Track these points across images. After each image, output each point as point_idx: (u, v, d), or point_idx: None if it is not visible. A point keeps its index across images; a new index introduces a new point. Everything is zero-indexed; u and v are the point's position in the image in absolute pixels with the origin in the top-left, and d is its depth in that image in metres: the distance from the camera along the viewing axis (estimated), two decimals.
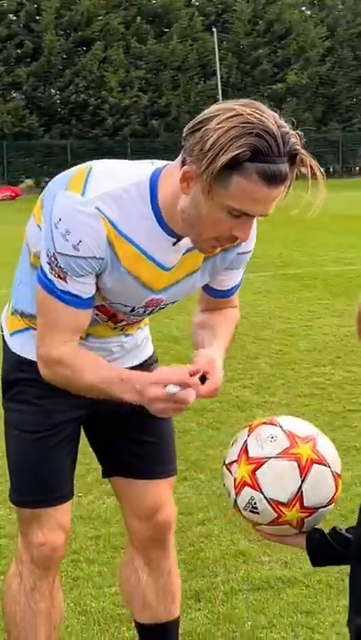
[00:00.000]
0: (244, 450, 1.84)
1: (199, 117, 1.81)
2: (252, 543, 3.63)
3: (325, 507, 1.82)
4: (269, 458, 1.79)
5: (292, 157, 1.79)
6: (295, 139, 1.78)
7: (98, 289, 2.02)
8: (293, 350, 6.92)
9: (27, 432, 2.20)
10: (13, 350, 2.23)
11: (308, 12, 43.15)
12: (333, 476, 1.83)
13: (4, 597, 2.35)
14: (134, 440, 2.26)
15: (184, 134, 1.84)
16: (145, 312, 2.15)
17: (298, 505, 1.78)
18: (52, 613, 2.33)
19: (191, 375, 1.87)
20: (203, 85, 38.64)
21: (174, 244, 1.99)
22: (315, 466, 1.79)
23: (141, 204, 1.94)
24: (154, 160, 2.06)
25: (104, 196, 1.91)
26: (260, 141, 1.73)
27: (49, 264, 1.94)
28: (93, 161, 2.05)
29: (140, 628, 2.50)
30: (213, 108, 1.81)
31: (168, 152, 27.86)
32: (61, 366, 2.00)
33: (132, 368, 2.23)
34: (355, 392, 5.76)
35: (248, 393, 5.68)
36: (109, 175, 1.96)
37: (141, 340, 2.35)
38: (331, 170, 41.00)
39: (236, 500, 1.87)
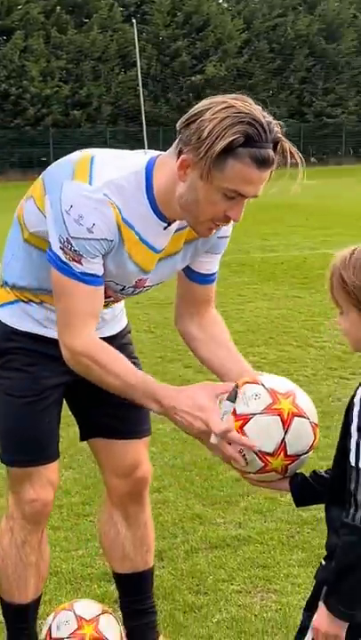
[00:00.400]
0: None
1: (192, 111, 2.02)
2: (206, 507, 3.87)
3: (306, 453, 2.05)
4: (255, 414, 2.00)
5: (276, 144, 2.00)
6: (278, 128, 2.01)
7: None
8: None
9: (17, 397, 2.36)
10: (3, 321, 2.39)
11: (226, 5, 43.60)
12: (312, 426, 2.05)
13: None
14: (115, 403, 2.42)
15: (178, 127, 2.04)
16: (133, 292, 2.34)
17: (282, 454, 1.99)
18: (41, 565, 2.52)
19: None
20: (123, 76, 38.57)
21: (165, 228, 2.19)
22: (295, 418, 2.01)
23: (138, 191, 2.13)
24: (146, 150, 2.26)
25: (109, 184, 2.09)
26: (251, 129, 1.94)
27: (62, 249, 2.09)
28: (90, 150, 2.23)
29: (120, 578, 2.70)
30: (205, 102, 2.01)
31: (91, 143, 27.90)
32: (86, 358, 2.15)
33: (110, 337, 2.44)
34: (289, 369, 6.08)
35: (190, 372, 5.91)
36: (111, 165, 2.14)
37: (118, 312, 2.55)
38: None
39: None
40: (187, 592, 3.16)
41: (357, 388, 1.83)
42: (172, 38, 40.05)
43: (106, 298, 2.32)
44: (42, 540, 2.52)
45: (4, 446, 2.43)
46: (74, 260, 2.09)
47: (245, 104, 1.98)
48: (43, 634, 2.60)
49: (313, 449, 2.08)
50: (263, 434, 1.99)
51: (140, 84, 35.36)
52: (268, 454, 1.99)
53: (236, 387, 2.05)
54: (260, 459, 2.00)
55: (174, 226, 2.21)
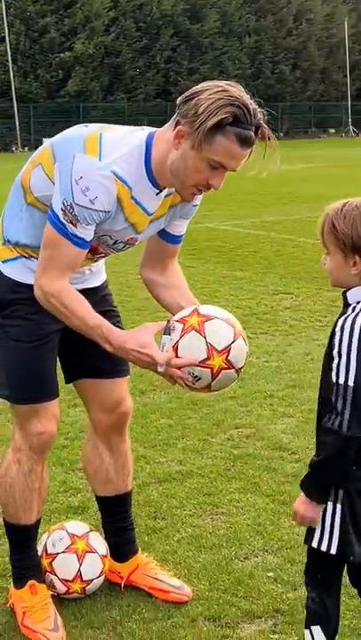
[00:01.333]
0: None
1: (192, 90, 2.37)
2: (147, 449, 4.27)
3: (235, 341, 2.45)
4: (178, 340, 2.43)
5: (257, 128, 2.37)
6: (261, 115, 2.36)
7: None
8: (134, 299, 7.56)
9: (24, 342, 2.67)
10: (7, 275, 2.68)
11: None
12: (224, 321, 2.47)
13: (2, 480, 2.81)
14: (100, 348, 2.73)
15: (178, 103, 2.39)
16: (122, 248, 2.68)
17: (214, 352, 2.40)
18: (42, 489, 2.85)
19: None
20: None
21: (157, 194, 2.55)
22: (206, 323, 2.43)
23: (139, 162, 2.47)
24: (143, 127, 2.59)
25: (117, 160, 2.43)
26: (240, 111, 2.30)
27: (63, 210, 2.42)
28: (99, 125, 2.54)
29: (103, 500, 3.07)
30: (205, 84, 2.38)
31: None
32: (55, 299, 2.50)
33: (94, 288, 2.80)
34: None
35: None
36: (119, 141, 2.47)
37: (101, 266, 2.90)
38: None
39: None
40: (146, 518, 3.56)
41: (337, 318, 2.26)
42: (40, 14, 39.55)
43: (97, 254, 2.68)
44: (44, 468, 2.84)
45: (11, 386, 2.72)
46: (71, 222, 2.43)
47: (238, 90, 2.33)
48: (39, 552, 2.94)
49: (239, 334, 2.49)
50: (193, 349, 2.41)
51: (10, 60, 34.79)
52: (205, 360, 2.41)
53: (168, 322, 2.48)
54: (203, 367, 2.42)
55: (165, 192, 2.57)
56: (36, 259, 2.63)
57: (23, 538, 2.88)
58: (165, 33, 43.78)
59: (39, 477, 2.81)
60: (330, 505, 2.27)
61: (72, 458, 4.14)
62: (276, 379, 5.40)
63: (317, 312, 7.19)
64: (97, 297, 2.80)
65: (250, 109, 2.33)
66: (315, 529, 2.29)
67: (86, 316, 2.51)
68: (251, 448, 4.29)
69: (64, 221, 2.44)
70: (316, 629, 2.33)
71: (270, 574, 3.14)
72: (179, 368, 2.41)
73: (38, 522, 2.90)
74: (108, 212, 2.46)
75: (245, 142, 2.36)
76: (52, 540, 2.95)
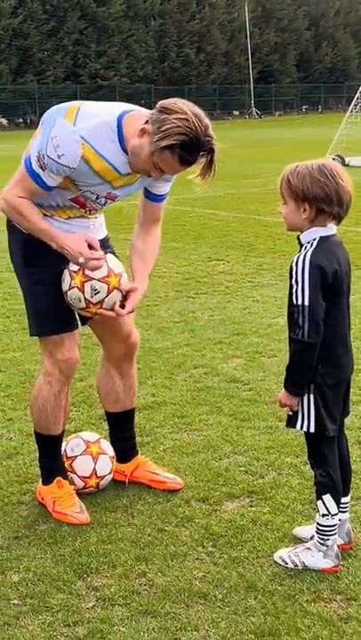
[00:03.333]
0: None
1: (169, 105, 2.96)
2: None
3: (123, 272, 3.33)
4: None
5: (206, 154, 3.00)
6: (211, 145, 2.98)
7: (75, 184, 3.18)
8: None
9: (48, 284, 3.31)
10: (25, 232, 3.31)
11: None
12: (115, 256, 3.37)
13: (35, 400, 3.48)
14: None
15: (157, 106, 3.00)
16: (105, 203, 3.35)
17: (112, 274, 3.26)
18: (67, 407, 3.55)
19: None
20: None
21: (129, 161, 3.19)
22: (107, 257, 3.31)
23: (112, 133, 3.13)
24: (118, 103, 3.23)
25: (87, 128, 3.07)
26: (190, 141, 2.92)
27: (37, 157, 3.09)
28: (80, 101, 3.21)
29: (113, 416, 3.78)
30: (179, 104, 2.95)
31: None
32: (15, 209, 3.21)
33: (102, 239, 3.47)
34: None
35: None
36: (92, 113, 3.12)
37: (102, 221, 3.59)
38: (28, 121, 41.88)
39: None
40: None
41: (294, 257, 2.96)
42: None
43: (86, 208, 3.33)
44: (68, 389, 3.52)
45: (41, 324, 3.39)
46: (41, 167, 3.11)
47: (197, 121, 2.92)
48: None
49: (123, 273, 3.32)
50: (97, 271, 3.23)
51: None
52: (105, 277, 3.24)
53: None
54: (101, 282, 3.22)
55: None
56: (48, 216, 3.28)
57: (52, 445, 3.56)
58: (73, 16, 43.91)
59: (64, 397, 3.48)
60: (305, 396, 2.99)
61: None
62: (222, 328, 6.19)
63: (248, 274, 8.02)
64: (103, 247, 3.46)
65: (201, 142, 2.95)
66: (296, 417, 3.02)
67: (38, 221, 3.21)
68: (210, 382, 5.06)
69: (35, 167, 3.11)
70: (327, 497, 3.04)
71: (242, 468, 3.91)
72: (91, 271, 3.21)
73: (63, 432, 3.59)
74: (73, 168, 3.09)
75: (186, 163, 3.01)
76: (70, 446, 3.65)
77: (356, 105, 21.02)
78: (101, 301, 3.25)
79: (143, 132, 3.03)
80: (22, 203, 3.20)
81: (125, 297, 3.29)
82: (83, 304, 3.26)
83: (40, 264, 3.34)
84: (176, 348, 5.72)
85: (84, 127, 3.06)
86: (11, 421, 4.51)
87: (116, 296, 3.27)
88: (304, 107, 58.71)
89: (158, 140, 2.96)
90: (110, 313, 3.28)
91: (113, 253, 3.57)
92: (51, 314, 3.37)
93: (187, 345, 5.78)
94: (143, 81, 47.22)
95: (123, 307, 3.27)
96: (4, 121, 42.91)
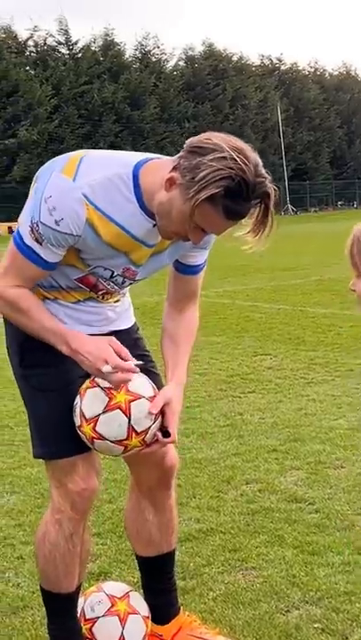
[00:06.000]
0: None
1: (200, 142, 2.19)
2: None
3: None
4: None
5: (259, 202, 2.20)
6: (265, 189, 2.17)
7: (81, 258, 2.39)
8: None
9: (51, 390, 2.47)
10: None
11: (33, 72, 44.33)
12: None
13: (40, 544, 2.59)
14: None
15: (185, 146, 2.22)
16: (123, 283, 2.51)
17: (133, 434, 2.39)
18: (83, 552, 2.62)
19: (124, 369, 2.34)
20: None
21: (154, 225, 2.37)
22: (132, 403, 2.39)
23: (125, 189, 2.32)
24: (134, 152, 2.44)
25: (91, 183, 2.28)
26: (236, 186, 2.12)
27: (30, 227, 2.29)
28: (86, 150, 2.42)
29: (144, 561, 2.83)
30: (213, 140, 2.17)
31: None
32: (9, 304, 2.38)
33: (124, 330, 2.65)
34: (186, 394, 6.38)
35: None
36: (98, 164, 2.32)
37: (128, 305, 2.74)
38: None
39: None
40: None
41: None
42: None
43: (99, 291, 2.51)
44: (85, 529, 2.60)
45: (44, 442, 2.50)
46: (36, 240, 2.30)
47: (242, 158, 2.13)
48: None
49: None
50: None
51: None
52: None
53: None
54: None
55: None
56: (50, 300, 2.49)
57: (64, 606, 2.63)
58: (107, 119, 44.83)
59: (80, 539, 2.57)
60: None
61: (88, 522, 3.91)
62: (275, 434, 5.27)
63: (299, 370, 7.13)
64: (129, 340, 2.61)
65: (249, 185, 2.15)
66: None
67: (40, 317, 2.39)
68: (266, 502, 4.13)
69: (28, 241, 2.31)
70: None
71: (317, 625, 2.96)
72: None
73: (79, 588, 2.67)
74: (77, 235, 2.30)
75: (232, 216, 2.21)
76: (89, 603, 2.72)
77: None
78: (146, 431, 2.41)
79: (171, 182, 2.22)
80: (18, 295, 2.38)
81: (162, 415, 2.43)
82: (124, 431, 2.39)
83: (39, 363, 2.49)
84: (223, 458, 4.80)
85: (87, 182, 2.26)
86: (21, 560, 3.59)
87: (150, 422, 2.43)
88: (339, 202, 58.89)
89: (195, 194, 2.15)
90: (156, 446, 2.47)
91: (142, 346, 2.74)
92: (56, 429, 2.50)
93: (235, 454, 4.87)
94: None
95: (165, 433, 2.44)
96: None
